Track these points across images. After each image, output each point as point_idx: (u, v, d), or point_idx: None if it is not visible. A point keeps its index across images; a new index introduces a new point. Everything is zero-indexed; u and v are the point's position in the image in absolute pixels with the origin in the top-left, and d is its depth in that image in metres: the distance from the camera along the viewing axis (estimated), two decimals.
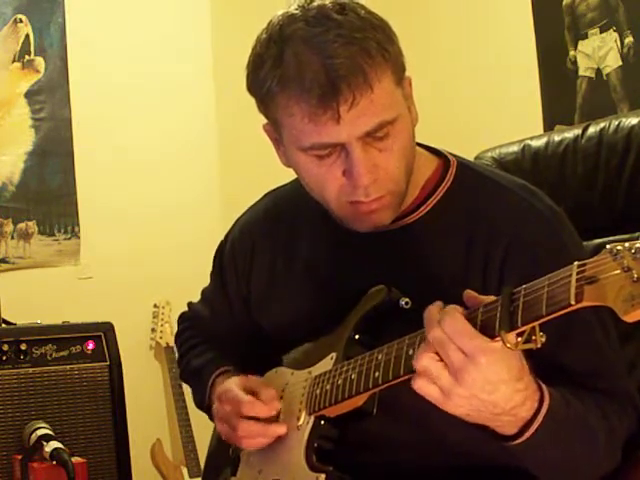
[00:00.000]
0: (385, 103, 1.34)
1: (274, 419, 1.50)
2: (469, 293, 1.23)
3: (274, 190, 1.71)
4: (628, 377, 1.45)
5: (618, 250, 1.05)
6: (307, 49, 1.33)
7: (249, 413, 1.49)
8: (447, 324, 1.18)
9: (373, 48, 1.33)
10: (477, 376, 1.18)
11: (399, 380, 1.30)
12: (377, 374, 1.33)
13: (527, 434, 1.25)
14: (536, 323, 1.14)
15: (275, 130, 1.43)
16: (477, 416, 1.23)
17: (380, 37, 1.35)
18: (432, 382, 1.20)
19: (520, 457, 1.30)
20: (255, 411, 1.49)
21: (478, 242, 1.42)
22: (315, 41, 1.33)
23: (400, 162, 1.39)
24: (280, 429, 1.48)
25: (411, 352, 1.27)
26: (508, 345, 1.15)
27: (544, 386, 1.26)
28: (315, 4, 1.37)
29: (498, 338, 1.16)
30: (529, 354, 1.20)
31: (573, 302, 1.08)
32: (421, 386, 1.21)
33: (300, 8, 1.38)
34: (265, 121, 1.45)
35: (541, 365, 1.26)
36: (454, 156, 1.53)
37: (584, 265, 1.08)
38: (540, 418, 1.24)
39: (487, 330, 1.18)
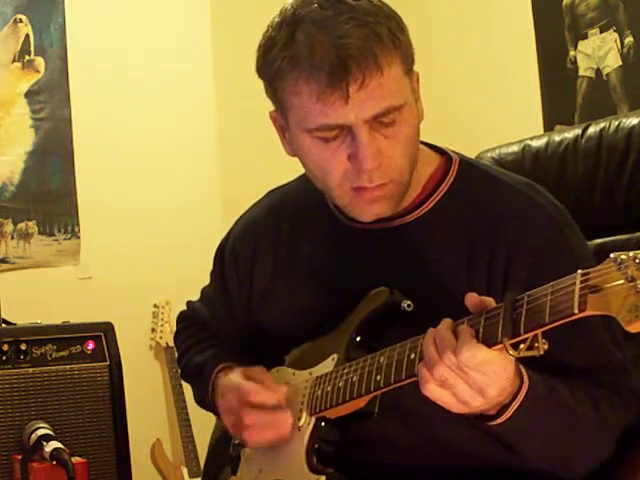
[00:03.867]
0: (393, 88, 1.35)
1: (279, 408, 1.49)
2: (471, 296, 1.23)
3: (277, 188, 1.71)
4: (632, 371, 1.44)
5: (622, 259, 1.04)
6: (319, 30, 1.34)
7: (256, 400, 1.48)
8: (465, 357, 1.19)
9: (384, 33, 1.34)
10: (499, 386, 1.21)
11: (401, 384, 1.30)
12: (379, 377, 1.33)
13: (506, 415, 1.26)
14: (539, 331, 1.14)
15: (281, 115, 1.43)
16: (476, 410, 1.25)
17: (392, 24, 1.36)
18: (446, 389, 1.21)
19: (502, 437, 1.31)
20: (262, 398, 1.48)
21: (481, 241, 1.42)
22: (327, 23, 1.34)
23: (405, 151, 1.39)
24: (287, 416, 1.47)
25: (413, 356, 1.28)
26: (511, 352, 1.16)
27: (522, 368, 1.27)
28: None
29: (500, 345, 1.17)
30: None
31: (576, 311, 1.08)
32: (435, 394, 1.22)
33: None
34: (271, 108, 1.46)
35: (540, 357, 1.26)
36: (457, 154, 1.53)
37: (588, 274, 1.08)
38: (519, 399, 1.26)
39: (489, 337, 1.18)
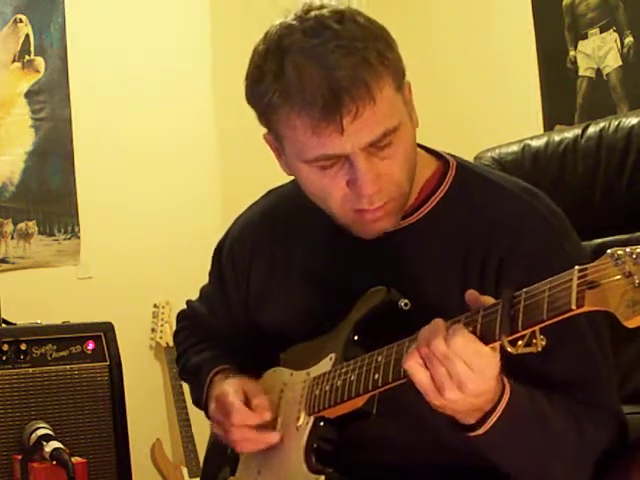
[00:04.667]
0: (387, 112, 1.34)
1: (269, 425, 1.50)
2: (472, 293, 1.23)
3: (273, 190, 1.71)
4: (614, 388, 1.44)
5: (619, 255, 1.04)
6: (307, 61, 1.32)
7: (239, 422, 1.49)
8: (455, 342, 1.18)
9: (373, 57, 1.32)
10: (480, 386, 1.20)
11: (399, 382, 1.30)
12: (377, 376, 1.33)
13: (486, 426, 1.25)
14: (537, 327, 1.14)
15: (276, 141, 1.43)
16: (451, 411, 1.25)
17: (380, 45, 1.34)
18: (427, 370, 1.20)
19: (481, 448, 1.30)
20: (245, 420, 1.49)
21: (477, 244, 1.42)
22: (314, 52, 1.32)
23: (403, 167, 1.39)
24: (272, 438, 1.48)
25: None
26: (509, 349, 1.15)
27: (505, 378, 1.26)
28: (312, 14, 1.36)
29: (497, 342, 1.16)
30: (514, 359, 1.20)
31: (574, 307, 1.08)
32: (414, 370, 1.22)
33: (297, 18, 1.36)
34: (265, 130, 1.45)
35: (524, 369, 1.26)
36: (454, 157, 1.53)
37: (585, 270, 1.08)
38: (499, 410, 1.25)
39: (487, 334, 1.18)
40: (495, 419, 1.25)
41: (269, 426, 1.50)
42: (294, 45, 1.34)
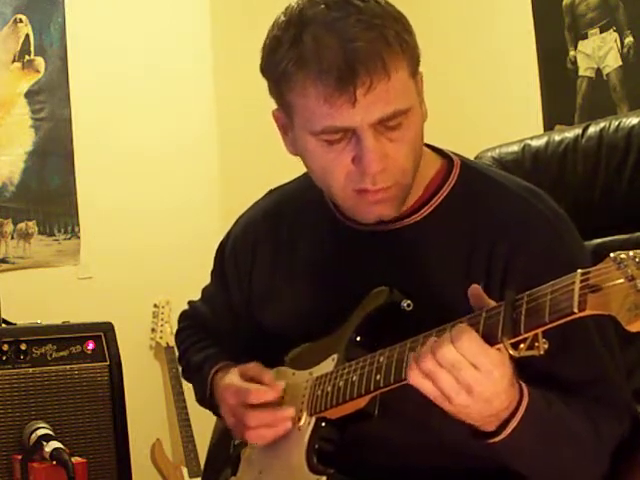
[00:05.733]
0: (400, 92, 1.34)
1: (279, 404, 1.49)
2: (475, 288, 1.23)
3: (276, 188, 1.71)
4: (624, 383, 1.44)
5: (622, 259, 1.05)
6: (326, 32, 1.33)
7: (257, 401, 1.48)
8: (462, 344, 1.18)
9: (391, 36, 1.33)
10: (489, 388, 1.19)
11: (401, 384, 1.30)
12: (379, 377, 1.33)
13: (506, 432, 1.25)
14: (539, 330, 1.14)
15: (286, 115, 1.43)
16: (465, 416, 1.24)
17: (399, 27, 1.36)
18: (432, 382, 1.20)
19: (501, 455, 1.30)
20: (263, 397, 1.48)
21: (481, 244, 1.42)
22: (335, 25, 1.33)
23: (409, 154, 1.39)
24: (288, 412, 1.47)
25: None
26: (511, 352, 1.15)
27: (523, 384, 1.26)
28: None
29: (500, 345, 1.16)
30: (522, 361, 1.20)
31: (576, 310, 1.08)
32: (419, 383, 1.21)
33: None
34: (275, 107, 1.45)
35: (533, 370, 1.27)
36: (458, 156, 1.53)
37: (588, 273, 1.08)
38: (519, 416, 1.25)
39: (489, 336, 1.18)
40: (515, 424, 1.25)
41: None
42: (316, 17, 1.35)
